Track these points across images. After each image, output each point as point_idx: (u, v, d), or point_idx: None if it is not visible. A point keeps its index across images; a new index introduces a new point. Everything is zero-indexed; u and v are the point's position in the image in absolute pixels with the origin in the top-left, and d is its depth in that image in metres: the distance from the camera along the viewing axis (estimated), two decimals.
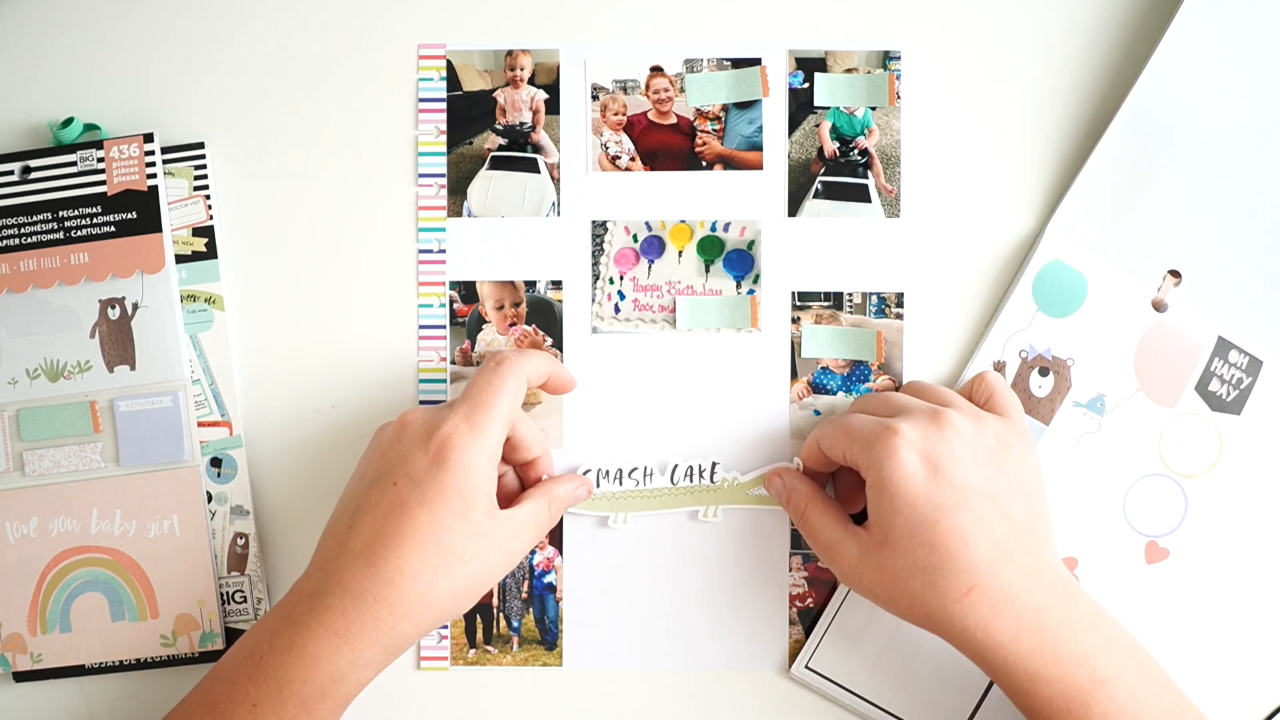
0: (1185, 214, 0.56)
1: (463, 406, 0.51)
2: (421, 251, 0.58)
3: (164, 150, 0.58)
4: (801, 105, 0.58)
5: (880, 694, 0.56)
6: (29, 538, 0.57)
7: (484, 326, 0.58)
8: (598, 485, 0.57)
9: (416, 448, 0.50)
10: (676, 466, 0.57)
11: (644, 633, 0.58)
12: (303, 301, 0.58)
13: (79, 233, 0.57)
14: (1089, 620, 0.48)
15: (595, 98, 0.58)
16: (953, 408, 0.51)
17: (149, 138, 0.57)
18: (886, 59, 0.58)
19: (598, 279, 0.58)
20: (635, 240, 0.58)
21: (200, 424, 0.57)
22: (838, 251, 0.58)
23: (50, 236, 0.57)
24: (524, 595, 0.58)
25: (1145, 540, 0.57)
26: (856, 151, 0.58)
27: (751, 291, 0.58)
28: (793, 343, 0.58)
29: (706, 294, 0.58)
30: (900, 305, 0.58)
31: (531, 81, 0.58)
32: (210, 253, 0.58)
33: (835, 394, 0.58)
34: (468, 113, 0.58)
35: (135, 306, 0.57)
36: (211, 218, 0.58)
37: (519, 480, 0.56)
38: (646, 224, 0.58)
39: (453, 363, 0.58)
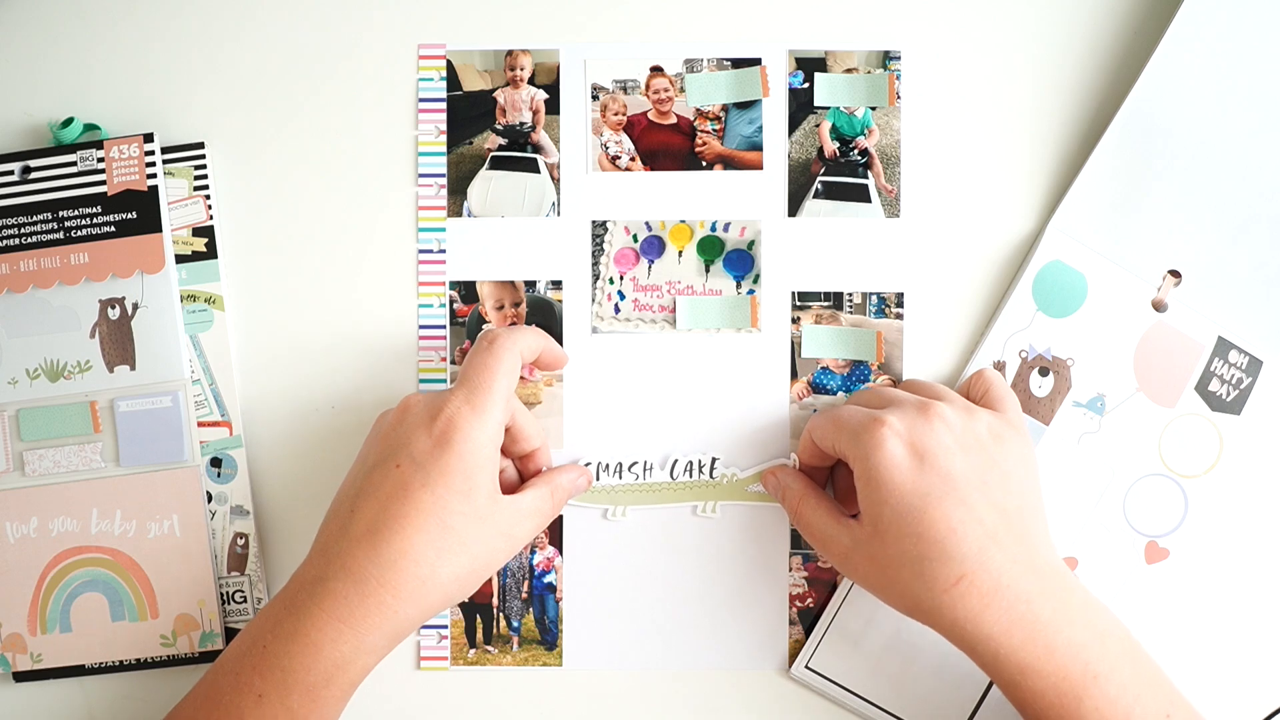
0: (1185, 214, 0.56)
1: (462, 389, 0.51)
2: (421, 251, 0.58)
3: (164, 150, 0.58)
4: (801, 105, 0.58)
5: (880, 694, 0.56)
6: (29, 538, 0.57)
7: (484, 326, 0.58)
8: (597, 478, 0.57)
9: (420, 430, 0.50)
10: (676, 461, 0.57)
11: (644, 633, 0.58)
12: (303, 301, 0.58)
13: (79, 233, 0.57)
14: (1082, 612, 0.48)
15: (595, 98, 0.58)
16: (943, 400, 0.51)
17: (149, 138, 0.57)
18: (886, 59, 0.58)
19: (598, 279, 0.58)
20: (635, 240, 0.58)
21: (200, 424, 0.57)
22: (838, 251, 0.58)
23: (50, 236, 0.57)
24: (524, 595, 0.58)
25: (1145, 540, 0.57)
26: (856, 151, 0.58)
27: (751, 291, 0.58)
28: (793, 343, 0.58)
29: (706, 294, 0.58)
30: (900, 305, 0.58)
31: (531, 81, 0.58)
32: (210, 253, 0.58)
33: (835, 394, 0.58)
34: (468, 113, 0.58)
35: (135, 306, 0.57)
36: (211, 218, 0.58)
37: (519, 473, 0.56)
38: (646, 224, 0.58)
39: (453, 363, 0.58)
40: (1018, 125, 0.58)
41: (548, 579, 0.58)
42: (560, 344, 0.58)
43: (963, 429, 0.50)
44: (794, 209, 0.58)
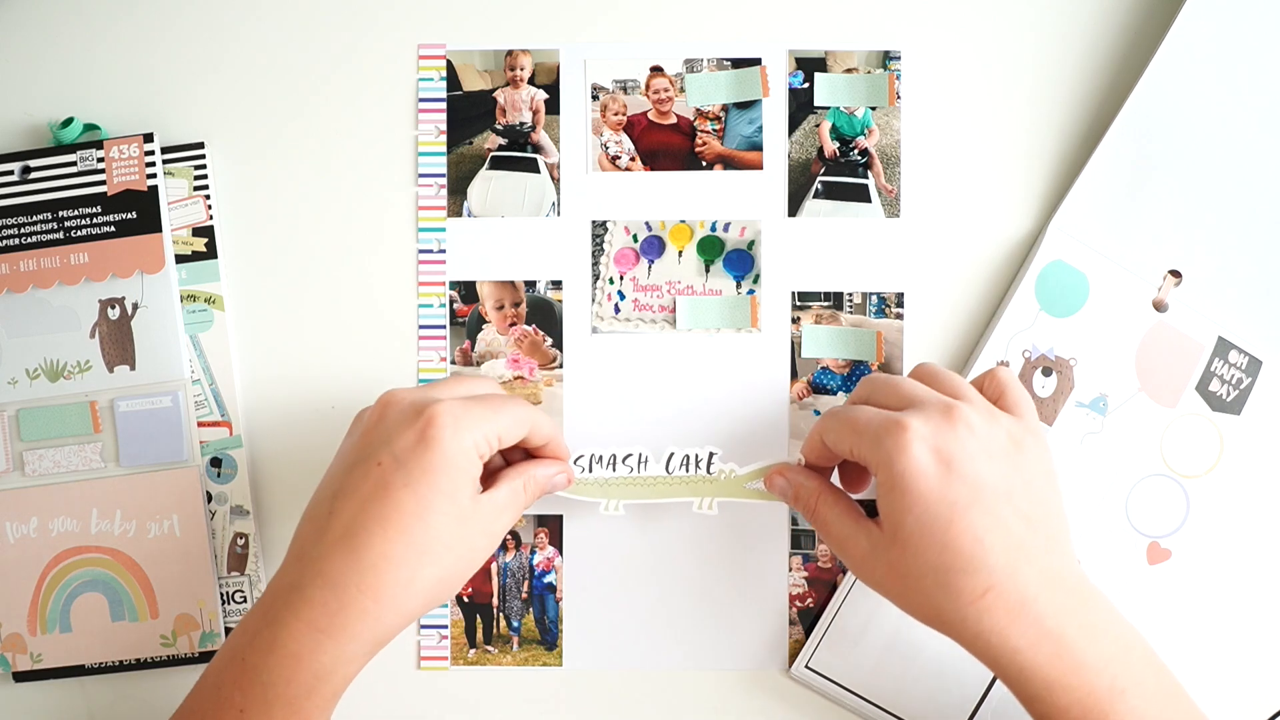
0: (1185, 214, 0.56)
1: (464, 391, 0.49)
2: (421, 251, 0.58)
3: (164, 150, 0.58)
4: (801, 105, 0.58)
5: (880, 694, 0.56)
6: (29, 538, 0.57)
7: (484, 326, 0.58)
8: (589, 470, 0.55)
9: (403, 425, 0.47)
10: (673, 455, 0.55)
11: (644, 633, 0.58)
12: (303, 301, 0.58)
13: (79, 233, 0.57)
14: (1108, 626, 0.46)
15: (595, 98, 0.58)
16: (965, 401, 0.48)
17: (149, 138, 0.57)
18: (886, 59, 0.58)
19: (598, 279, 0.58)
20: (635, 240, 0.58)
21: (200, 424, 0.57)
22: (838, 251, 0.58)
23: (50, 236, 0.57)
24: (524, 595, 0.58)
25: (1147, 541, 0.57)
26: (856, 151, 0.58)
27: (751, 291, 0.58)
28: (793, 343, 0.58)
29: (706, 294, 0.58)
30: (900, 305, 0.58)
31: (531, 81, 0.58)
32: (210, 253, 0.58)
33: (835, 394, 0.58)
34: (468, 113, 0.58)
35: (135, 306, 0.57)
36: (211, 218, 0.58)
37: (503, 460, 0.53)
38: (646, 224, 0.58)
39: (453, 363, 0.58)
40: (1018, 125, 0.58)
41: (548, 579, 0.58)
42: (560, 345, 0.58)
43: (987, 435, 0.47)
44: (794, 209, 0.58)
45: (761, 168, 0.58)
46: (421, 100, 0.58)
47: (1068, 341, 0.56)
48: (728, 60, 0.58)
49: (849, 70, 0.58)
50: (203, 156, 0.58)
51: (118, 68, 0.58)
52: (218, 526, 0.57)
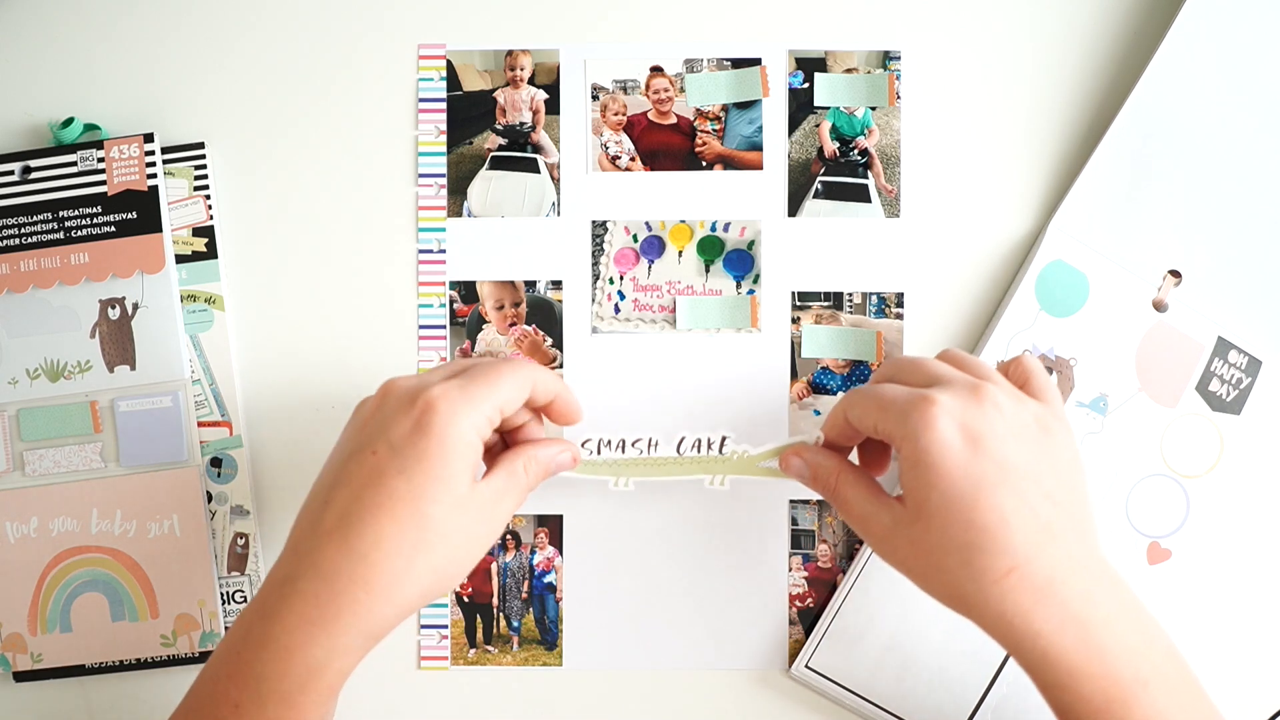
0: (1185, 214, 0.56)
1: (460, 375, 0.48)
2: (421, 251, 0.58)
3: (164, 150, 0.58)
4: (801, 105, 0.58)
5: (880, 694, 0.56)
6: (29, 538, 0.57)
7: (484, 326, 0.58)
8: (598, 453, 0.53)
9: (399, 413, 0.46)
10: (684, 439, 0.54)
11: (644, 633, 0.58)
12: (303, 301, 0.58)
13: (79, 233, 0.57)
14: (1134, 615, 0.45)
15: (595, 98, 0.58)
16: (992, 382, 0.47)
17: (149, 138, 0.57)
18: (886, 59, 0.58)
19: (598, 279, 0.58)
20: (635, 240, 0.58)
21: (200, 424, 0.57)
22: (838, 251, 0.58)
23: (50, 236, 0.57)
24: (524, 595, 0.58)
25: (1148, 541, 0.57)
26: (856, 151, 0.58)
27: (751, 291, 0.58)
28: (793, 343, 0.58)
29: (706, 294, 0.58)
30: (900, 305, 0.58)
31: (531, 81, 0.58)
32: (210, 253, 0.58)
33: (835, 394, 0.58)
34: (468, 113, 0.58)
35: (135, 306, 0.57)
36: (211, 218, 0.58)
37: (504, 444, 0.52)
38: (646, 224, 0.58)
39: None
40: (1018, 125, 0.58)
41: (548, 579, 0.58)
42: (560, 345, 0.58)
43: (1014, 416, 0.46)
44: (794, 209, 0.58)
45: (761, 168, 0.58)
46: (421, 100, 0.58)
47: (1068, 341, 0.56)
48: (728, 60, 0.58)
49: (849, 70, 0.58)
50: (203, 156, 0.58)
51: (118, 68, 0.58)
52: (218, 526, 0.57)
